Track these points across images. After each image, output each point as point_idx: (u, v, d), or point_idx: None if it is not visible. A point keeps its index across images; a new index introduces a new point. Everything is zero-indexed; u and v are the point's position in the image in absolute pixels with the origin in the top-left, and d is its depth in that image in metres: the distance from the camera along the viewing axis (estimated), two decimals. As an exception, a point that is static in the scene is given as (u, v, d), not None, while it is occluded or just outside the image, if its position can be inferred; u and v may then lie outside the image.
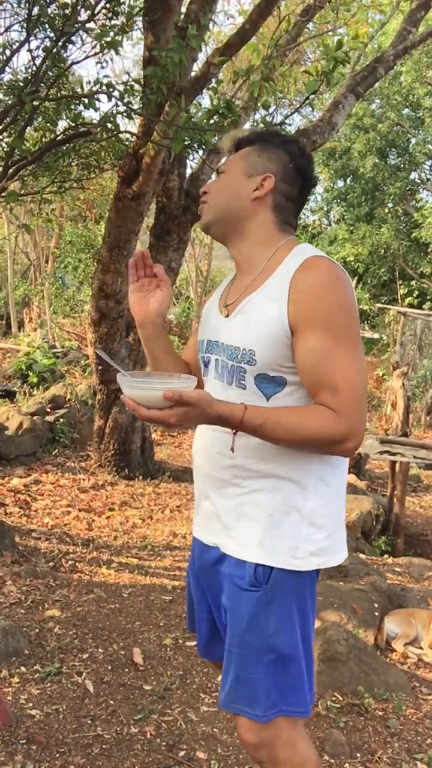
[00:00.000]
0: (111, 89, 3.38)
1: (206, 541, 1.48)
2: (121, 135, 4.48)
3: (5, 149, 3.93)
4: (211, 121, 3.49)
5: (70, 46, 3.59)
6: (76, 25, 3.36)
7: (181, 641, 2.97)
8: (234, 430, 1.28)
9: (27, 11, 3.37)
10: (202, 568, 1.51)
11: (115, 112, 3.68)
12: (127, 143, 4.90)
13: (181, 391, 1.17)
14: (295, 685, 1.36)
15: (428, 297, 14.46)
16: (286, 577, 1.35)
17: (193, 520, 1.56)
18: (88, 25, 3.56)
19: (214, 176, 1.53)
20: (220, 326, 1.43)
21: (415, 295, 14.68)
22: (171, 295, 1.57)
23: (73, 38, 3.52)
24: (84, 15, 3.53)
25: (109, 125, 3.63)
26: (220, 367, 1.41)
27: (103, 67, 6.37)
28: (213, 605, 1.51)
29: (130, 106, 3.46)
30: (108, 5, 3.65)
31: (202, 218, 1.48)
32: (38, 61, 3.41)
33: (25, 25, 3.37)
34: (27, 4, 3.42)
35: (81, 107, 3.74)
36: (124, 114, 3.61)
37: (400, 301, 14.42)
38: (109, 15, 3.70)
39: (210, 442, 1.41)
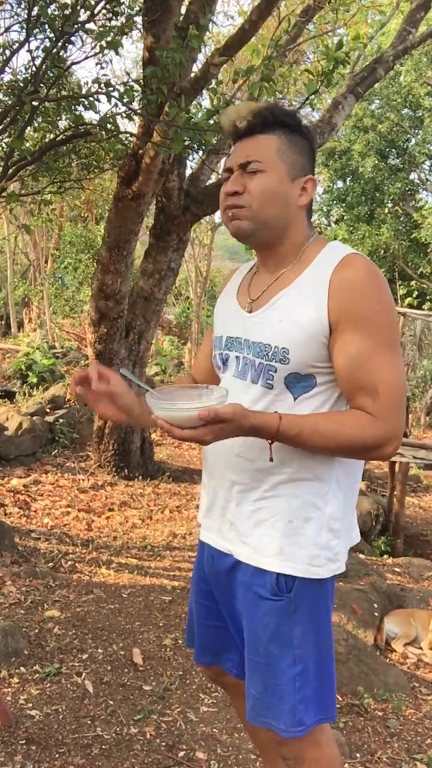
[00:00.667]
0: (111, 89, 3.38)
1: (219, 548, 1.41)
2: (120, 135, 4.47)
3: (5, 149, 3.94)
4: (211, 122, 3.49)
5: (70, 46, 3.60)
6: (75, 26, 3.36)
7: (180, 641, 2.97)
8: (270, 441, 1.23)
9: (27, 12, 3.37)
10: (213, 574, 1.46)
11: (114, 112, 3.68)
12: (126, 143, 4.90)
13: (216, 409, 1.13)
14: (321, 695, 1.34)
15: (428, 297, 14.46)
16: (308, 585, 1.31)
17: (202, 522, 1.48)
18: (87, 26, 3.56)
19: (233, 170, 1.33)
20: (244, 322, 1.36)
21: (414, 295, 14.68)
22: (119, 383, 1.39)
23: (73, 39, 3.52)
24: (84, 15, 3.53)
25: (109, 126, 3.63)
26: (242, 365, 1.34)
27: (102, 68, 6.36)
28: (227, 612, 1.45)
29: (129, 106, 3.46)
30: (108, 6, 3.65)
31: (241, 225, 1.32)
32: (38, 62, 3.41)
33: (24, 25, 3.37)
34: (27, 5, 3.42)
35: (81, 108, 3.74)
36: (124, 114, 3.61)
37: (399, 302, 14.42)
38: (109, 15, 3.70)
39: (228, 442, 1.28)
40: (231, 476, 1.35)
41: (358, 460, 1.36)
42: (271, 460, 1.26)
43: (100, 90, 3.38)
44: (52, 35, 3.41)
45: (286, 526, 1.30)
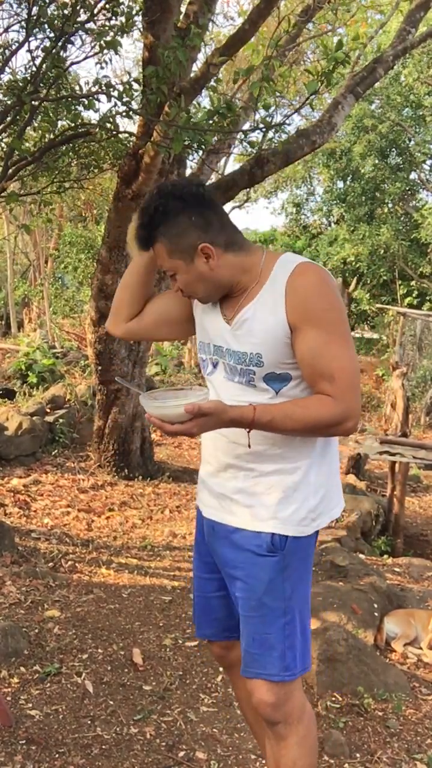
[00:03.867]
0: (110, 89, 3.38)
1: (219, 520, 1.60)
2: (120, 135, 4.47)
3: (5, 149, 3.93)
4: (211, 122, 3.49)
5: (70, 46, 3.59)
6: (75, 26, 3.35)
7: (180, 641, 2.97)
8: (248, 429, 1.44)
9: (26, 11, 3.37)
10: (212, 543, 1.64)
11: (114, 112, 3.68)
12: (126, 143, 4.90)
13: (200, 404, 1.35)
14: (304, 645, 1.55)
15: (428, 297, 14.47)
16: (297, 543, 1.52)
17: (200, 499, 1.68)
18: (87, 26, 3.56)
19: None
20: (226, 334, 1.55)
21: (414, 295, 14.69)
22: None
23: (73, 38, 3.51)
24: (83, 15, 3.52)
25: (109, 125, 3.63)
26: (229, 369, 1.55)
27: (102, 68, 6.37)
28: (226, 576, 1.62)
29: (129, 106, 3.46)
30: (107, 5, 3.64)
31: (201, 301, 1.59)
32: (38, 62, 3.41)
33: (24, 25, 3.37)
34: (26, 5, 3.42)
35: (80, 108, 3.74)
36: (124, 114, 3.60)
37: (399, 302, 14.42)
38: (109, 15, 3.69)
39: (222, 430, 1.50)
40: (227, 459, 1.55)
41: (332, 438, 1.57)
42: (249, 446, 1.48)
43: (99, 90, 3.37)
44: (51, 35, 3.41)
45: (281, 495, 1.51)
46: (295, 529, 1.51)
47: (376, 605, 3.34)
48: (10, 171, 3.67)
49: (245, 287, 1.53)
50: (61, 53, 3.53)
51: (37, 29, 3.35)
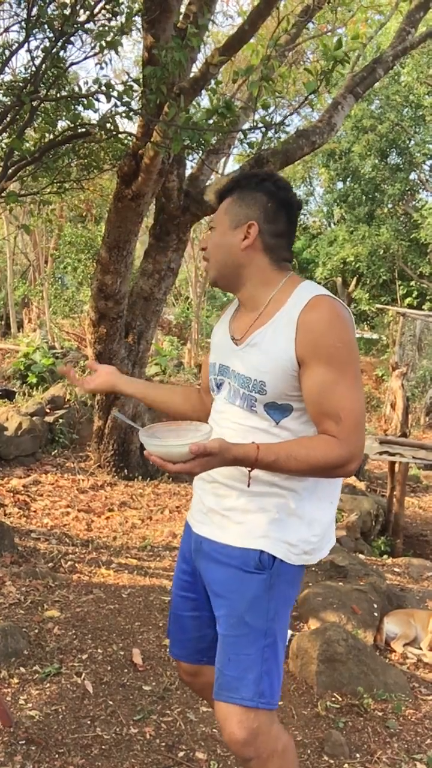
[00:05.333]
0: (110, 89, 3.37)
1: (207, 535, 1.56)
2: (120, 135, 4.47)
3: (5, 150, 3.93)
4: (210, 121, 3.49)
5: (70, 46, 3.59)
6: (75, 26, 3.35)
7: (180, 642, 2.97)
8: (250, 469, 1.41)
9: (26, 11, 3.37)
10: (198, 560, 1.60)
11: (114, 112, 3.68)
12: (126, 143, 4.90)
13: (204, 444, 1.31)
14: (278, 676, 1.48)
15: (427, 297, 14.47)
16: (284, 567, 1.47)
17: (191, 514, 1.65)
18: (87, 26, 3.56)
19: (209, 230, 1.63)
20: (232, 354, 1.54)
21: (414, 295, 14.69)
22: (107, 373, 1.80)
23: (73, 39, 3.51)
24: (83, 15, 3.52)
25: (109, 125, 3.63)
26: (232, 392, 1.52)
27: (102, 68, 6.36)
28: (211, 594, 1.57)
29: (129, 106, 3.46)
30: (107, 6, 3.64)
31: (208, 273, 1.60)
32: (37, 62, 3.41)
33: (24, 25, 3.37)
34: (26, 5, 3.42)
35: (80, 108, 3.74)
36: (123, 114, 3.61)
37: (399, 302, 14.42)
38: (108, 15, 3.69)
39: None
40: (222, 480, 1.51)
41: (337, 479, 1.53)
42: (249, 485, 1.45)
43: (99, 90, 3.37)
44: (51, 35, 3.41)
45: (273, 516, 1.47)
46: (285, 553, 1.47)
47: (375, 605, 3.34)
48: (10, 171, 3.67)
49: (259, 304, 1.51)
50: (61, 53, 3.54)
51: (36, 29, 3.35)
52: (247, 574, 1.47)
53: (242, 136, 4.49)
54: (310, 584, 3.56)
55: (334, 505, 1.57)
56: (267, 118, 4.10)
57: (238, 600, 1.47)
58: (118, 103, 3.37)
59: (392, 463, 6.01)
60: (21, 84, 3.80)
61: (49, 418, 6.30)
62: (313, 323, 1.40)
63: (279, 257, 1.53)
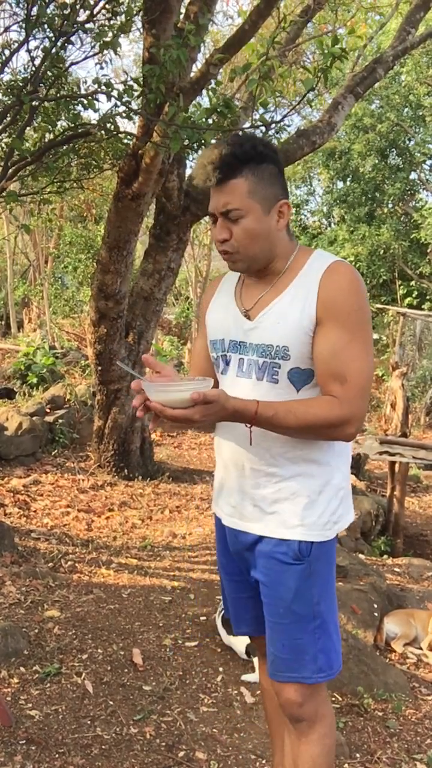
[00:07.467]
0: (110, 89, 3.38)
1: (241, 528, 1.56)
2: (120, 135, 4.47)
3: (5, 149, 3.93)
4: (210, 121, 3.49)
5: (69, 46, 3.59)
6: (75, 26, 3.35)
7: (180, 641, 2.97)
8: (249, 425, 1.41)
9: (26, 11, 3.37)
10: (238, 551, 1.61)
11: (114, 112, 3.68)
12: (126, 143, 4.90)
13: (205, 393, 1.30)
14: (335, 645, 1.54)
15: (427, 297, 14.45)
16: (321, 548, 1.51)
17: (218, 505, 1.64)
18: (87, 26, 3.56)
19: (216, 216, 1.47)
20: (246, 329, 1.52)
21: (414, 295, 14.67)
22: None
23: (72, 38, 3.51)
24: (83, 15, 3.52)
25: (109, 125, 3.63)
26: (246, 365, 1.51)
27: (102, 68, 6.36)
28: (256, 580, 1.59)
29: (129, 106, 3.46)
30: (107, 5, 3.64)
31: (236, 265, 1.52)
32: (37, 62, 3.41)
33: (24, 25, 3.37)
34: (26, 5, 3.41)
35: (80, 107, 3.74)
36: (123, 114, 3.61)
37: (399, 302, 14.42)
38: (108, 15, 3.69)
39: (244, 434, 1.48)
40: (248, 464, 1.51)
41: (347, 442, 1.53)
42: (251, 443, 1.47)
43: (99, 89, 3.37)
44: (51, 35, 3.41)
45: (305, 501, 1.49)
46: (320, 534, 1.49)
47: (375, 605, 3.34)
48: (10, 171, 3.67)
49: (274, 274, 1.50)
50: (61, 53, 3.54)
51: (36, 29, 3.35)
52: (286, 566, 1.49)
53: (242, 136, 4.49)
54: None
55: (349, 464, 1.61)
56: (267, 116, 4.10)
57: (283, 591, 1.50)
58: (118, 102, 3.37)
59: (392, 463, 6.00)
60: (21, 84, 3.80)
61: (49, 418, 6.30)
62: (334, 285, 1.42)
63: (290, 229, 1.54)
